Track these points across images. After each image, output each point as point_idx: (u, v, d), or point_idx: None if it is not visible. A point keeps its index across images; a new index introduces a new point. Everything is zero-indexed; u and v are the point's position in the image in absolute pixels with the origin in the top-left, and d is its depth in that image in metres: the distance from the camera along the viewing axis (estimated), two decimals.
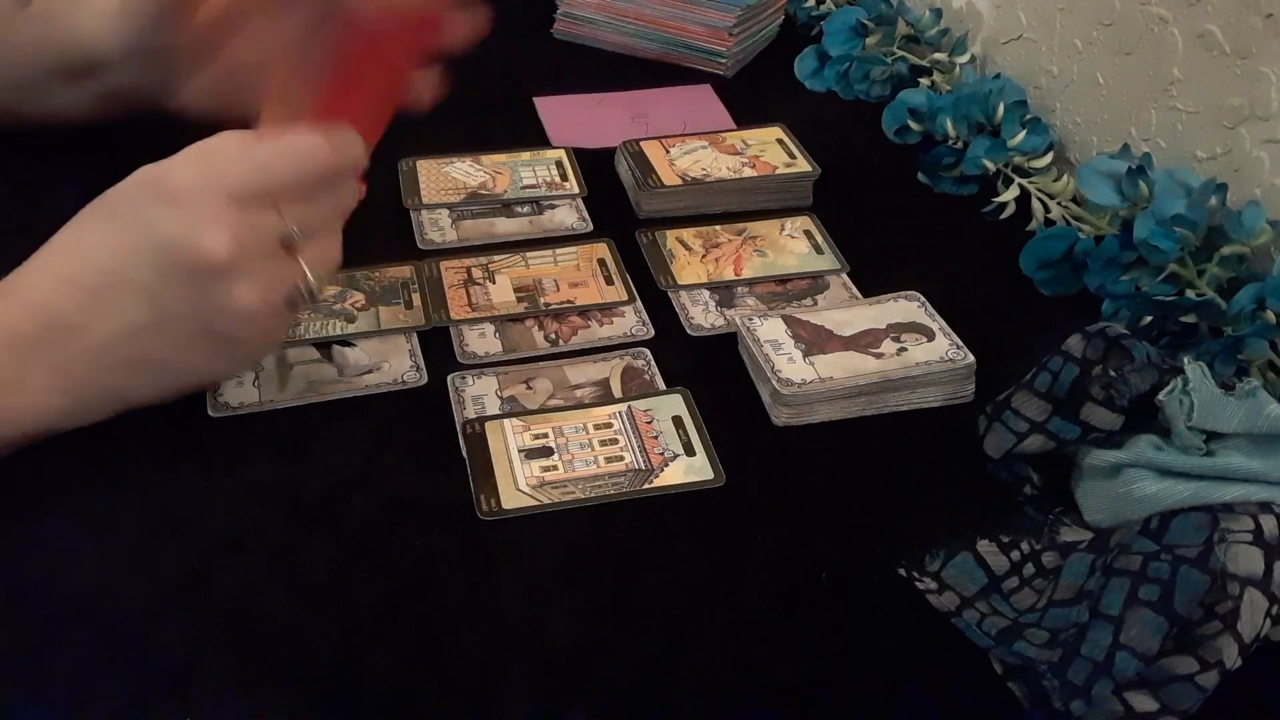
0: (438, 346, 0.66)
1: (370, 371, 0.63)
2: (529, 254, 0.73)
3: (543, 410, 0.61)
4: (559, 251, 0.73)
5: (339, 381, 0.63)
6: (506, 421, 0.60)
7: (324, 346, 0.65)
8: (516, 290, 0.70)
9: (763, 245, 0.74)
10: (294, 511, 0.55)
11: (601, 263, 0.72)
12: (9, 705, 0.46)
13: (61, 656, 0.48)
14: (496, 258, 0.73)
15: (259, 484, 0.57)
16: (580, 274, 0.71)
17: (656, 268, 0.72)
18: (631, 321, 0.68)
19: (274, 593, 0.51)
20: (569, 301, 0.69)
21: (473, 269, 0.71)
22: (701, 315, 0.69)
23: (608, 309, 0.69)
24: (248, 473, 0.57)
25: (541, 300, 0.69)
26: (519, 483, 0.56)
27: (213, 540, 0.53)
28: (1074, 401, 0.54)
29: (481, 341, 0.66)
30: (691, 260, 0.73)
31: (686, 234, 0.75)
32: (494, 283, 0.70)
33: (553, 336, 0.67)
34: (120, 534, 0.54)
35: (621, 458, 0.58)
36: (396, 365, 0.64)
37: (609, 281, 0.71)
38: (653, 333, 0.67)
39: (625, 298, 0.69)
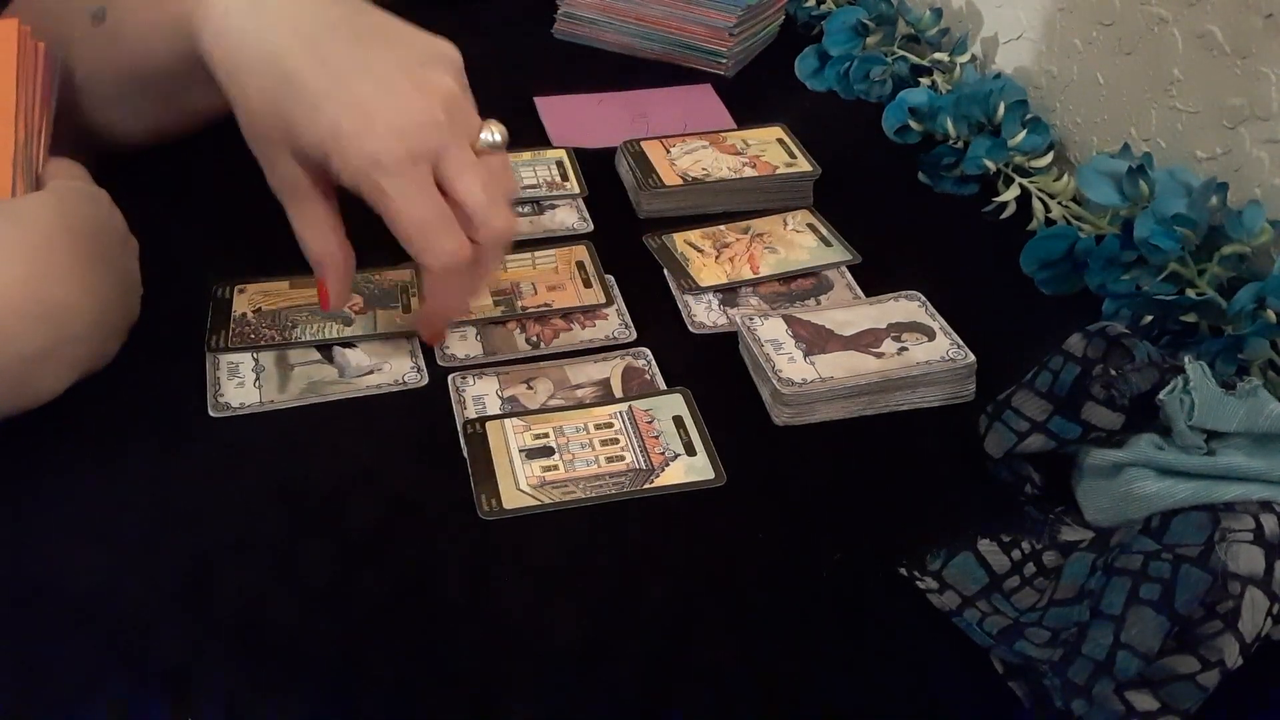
0: (428, 349, 0.66)
1: (371, 372, 0.63)
2: (506, 256, 0.73)
3: (543, 410, 0.61)
4: (537, 254, 0.73)
5: (339, 382, 0.63)
6: (507, 421, 0.60)
7: (325, 348, 0.65)
8: (494, 294, 0.69)
9: (772, 242, 0.74)
10: (295, 512, 0.55)
11: (580, 265, 0.72)
12: (9, 705, 0.46)
13: (61, 656, 0.48)
14: None
15: (260, 484, 0.57)
16: (558, 277, 0.71)
17: (675, 272, 0.72)
18: (614, 324, 0.68)
19: (275, 593, 0.51)
20: (546, 305, 0.69)
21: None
22: (704, 313, 0.69)
23: (590, 311, 0.69)
24: (249, 473, 0.57)
25: (518, 304, 0.69)
26: (520, 483, 0.56)
27: (214, 540, 0.53)
28: (1075, 401, 0.54)
29: (462, 344, 0.66)
30: (707, 262, 0.73)
31: (693, 235, 0.75)
32: None
33: (534, 339, 0.66)
34: (120, 534, 0.54)
35: (622, 457, 0.58)
36: (398, 366, 0.64)
37: (587, 284, 0.70)
38: (635, 335, 0.67)
39: (603, 300, 0.69)
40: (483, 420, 0.60)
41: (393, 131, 0.55)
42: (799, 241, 0.75)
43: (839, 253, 0.74)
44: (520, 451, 0.58)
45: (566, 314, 0.68)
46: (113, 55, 0.67)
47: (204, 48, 0.59)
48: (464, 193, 0.57)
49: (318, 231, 0.61)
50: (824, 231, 0.75)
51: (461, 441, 0.59)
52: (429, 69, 0.58)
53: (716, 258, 0.73)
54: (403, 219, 0.57)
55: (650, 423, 0.60)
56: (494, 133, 0.59)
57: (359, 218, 0.77)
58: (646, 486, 0.57)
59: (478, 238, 0.58)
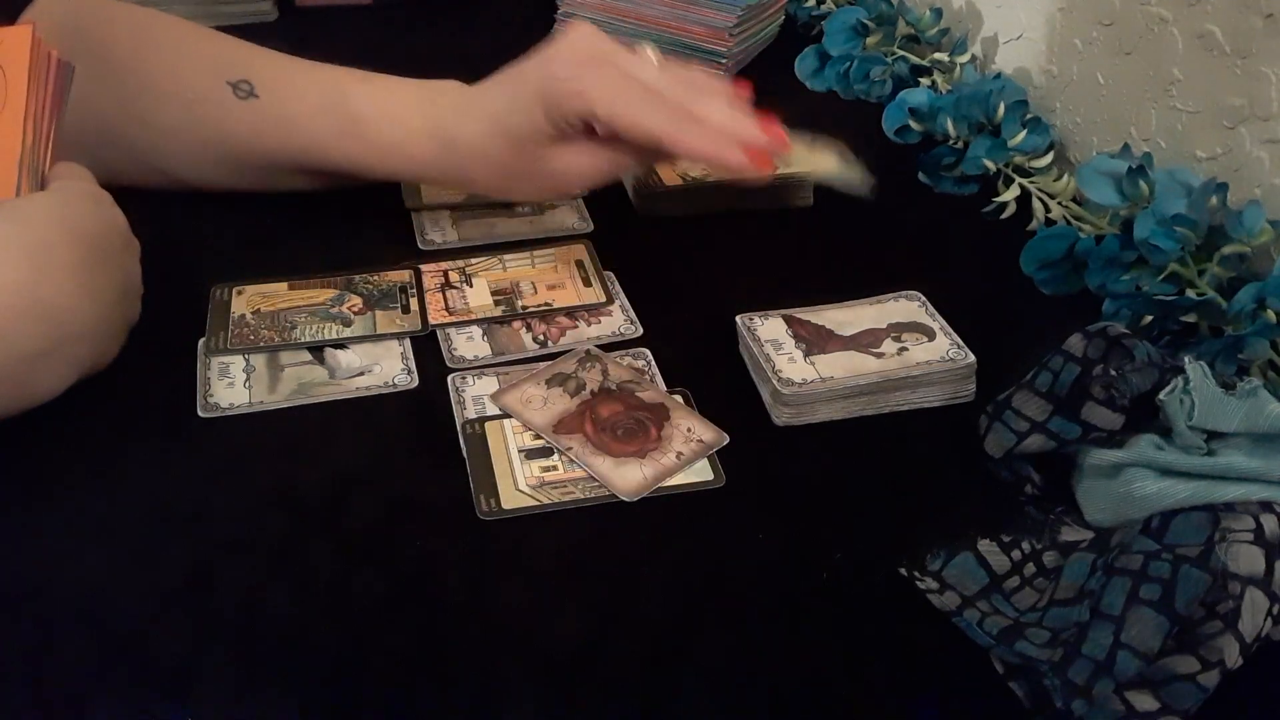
0: (431, 349, 0.66)
1: (362, 374, 0.63)
2: (506, 256, 0.73)
3: None
4: (536, 253, 0.73)
5: (330, 384, 0.63)
6: (507, 421, 0.60)
7: (316, 349, 0.65)
8: (494, 293, 0.69)
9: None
10: (293, 512, 0.55)
11: (579, 264, 0.72)
12: (9, 705, 0.46)
13: (61, 656, 0.48)
14: (474, 261, 0.72)
15: (258, 484, 0.57)
16: (558, 276, 0.71)
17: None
18: (619, 320, 0.68)
19: (274, 593, 0.51)
20: (547, 304, 0.69)
21: (450, 272, 0.71)
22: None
23: (592, 309, 0.69)
24: (247, 473, 0.57)
25: (519, 303, 0.69)
26: (519, 483, 0.56)
27: (213, 540, 0.53)
28: (1075, 401, 0.54)
29: (470, 345, 0.66)
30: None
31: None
32: (471, 286, 0.70)
33: (541, 338, 0.66)
34: (120, 534, 0.54)
35: None
36: (388, 368, 0.64)
37: (586, 283, 0.70)
38: (641, 331, 0.67)
39: (603, 299, 0.69)
40: (482, 420, 0.60)
41: (568, 57, 0.67)
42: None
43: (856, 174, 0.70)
44: (520, 452, 0.58)
45: (571, 312, 0.68)
46: (258, 134, 0.73)
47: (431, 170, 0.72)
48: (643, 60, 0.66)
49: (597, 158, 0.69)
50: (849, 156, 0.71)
51: (461, 441, 0.59)
52: None
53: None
54: (602, 97, 0.64)
55: None
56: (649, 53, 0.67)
57: (360, 217, 0.77)
58: None
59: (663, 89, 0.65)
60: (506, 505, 0.55)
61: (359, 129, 0.71)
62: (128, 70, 0.72)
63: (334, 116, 0.71)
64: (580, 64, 0.65)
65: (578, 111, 0.65)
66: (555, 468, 0.57)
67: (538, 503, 0.55)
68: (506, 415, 0.60)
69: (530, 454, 0.58)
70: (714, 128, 0.64)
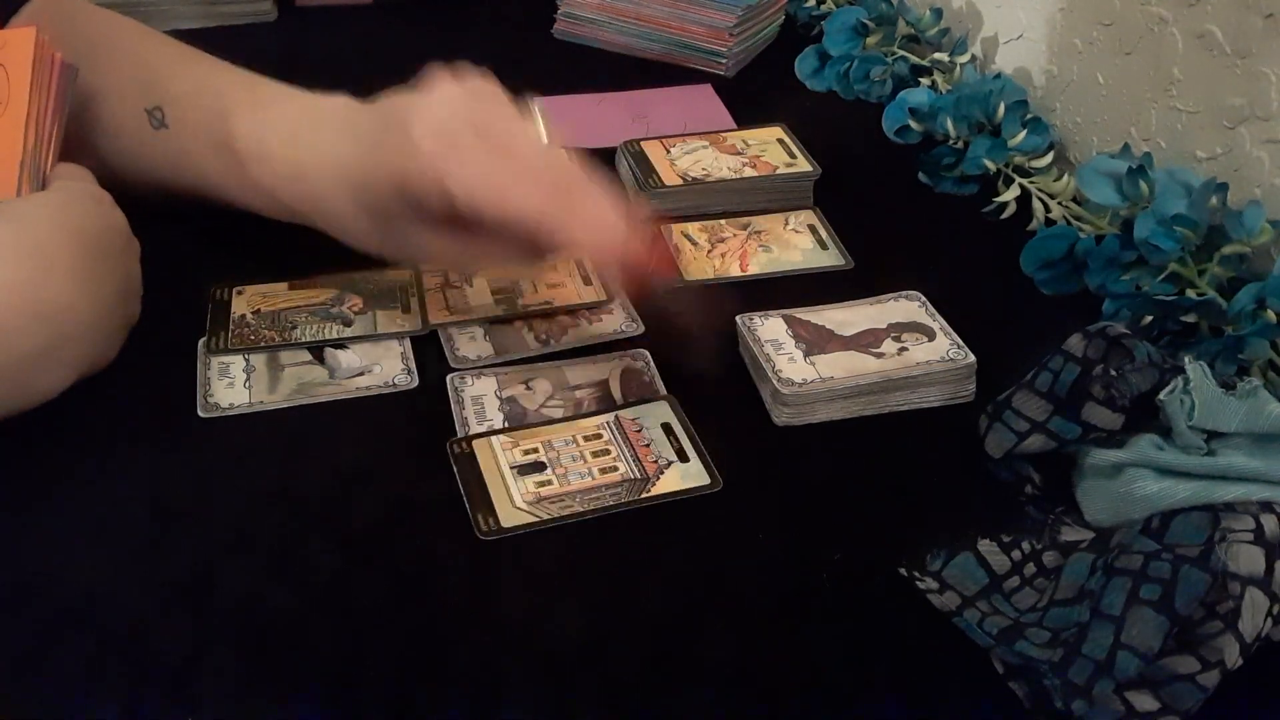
0: (432, 349, 0.66)
1: (362, 374, 0.63)
2: None
3: (527, 425, 0.60)
4: None
5: (330, 384, 0.63)
6: (494, 438, 0.59)
7: (316, 349, 0.65)
8: (494, 292, 0.69)
9: (767, 240, 0.75)
10: (293, 511, 0.55)
11: (579, 263, 0.72)
12: (9, 705, 0.46)
13: (61, 656, 0.48)
14: None
15: (256, 484, 0.56)
16: (557, 274, 0.71)
17: None
18: (620, 318, 0.68)
19: (274, 593, 0.51)
20: (547, 302, 0.68)
21: (449, 271, 0.71)
22: None
23: (593, 308, 0.69)
24: (247, 473, 0.57)
25: (519, 301, 0.69)
26: (515, 499, 0.56)
27: (212, 540, 0.53)
28: (1075, 401, 0.54)
29: (473, 345, 0.66)
30: (698, 255, 0.73)
31: (691, 228, 0.76)
32: (471, 285, 0.70)
33: (544, 337, 0.66)
34: (120, 534, 0.54)
35: (615, 468, 0.57)
36: (388, 368, 0.64)
37: (586, 282, 0.70)
38: (642, 328, 0.67)
39: (603, 298, 0.69)
40: (469, 439, 0.59)
41: (432, 128, 0.57)
42: (795, 242, 0.75)
43: (833, 257, 0.74)
44: (511, 468, 0.57)
45: (572, 310, 0.68)
46: (170, 166, 0.69)
47: (294, 207, 0.64)
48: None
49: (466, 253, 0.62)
50: (823, 234, 0.75)
51: (451, 462, 0.58)
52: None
53: (709, 252, 0.73)
54: (463, 184, 0.56)
55: (639, 431, 0.60)
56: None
57: None
58: (644, 495, 0.56)
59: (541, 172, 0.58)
60: (505, 524, 0.54)
61: (242, 169, 0.65)
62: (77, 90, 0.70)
63: (222, 155, 0.66)
64: (444, 138, 0.56)
65: (436, 197, 0.57)
66: (550, 482, 0.57)
67: (536, 519, 0.55)
68: (493, 432, 0.59)
69: (522, 470, 0.57)
70: (592, 217, 0.57)
